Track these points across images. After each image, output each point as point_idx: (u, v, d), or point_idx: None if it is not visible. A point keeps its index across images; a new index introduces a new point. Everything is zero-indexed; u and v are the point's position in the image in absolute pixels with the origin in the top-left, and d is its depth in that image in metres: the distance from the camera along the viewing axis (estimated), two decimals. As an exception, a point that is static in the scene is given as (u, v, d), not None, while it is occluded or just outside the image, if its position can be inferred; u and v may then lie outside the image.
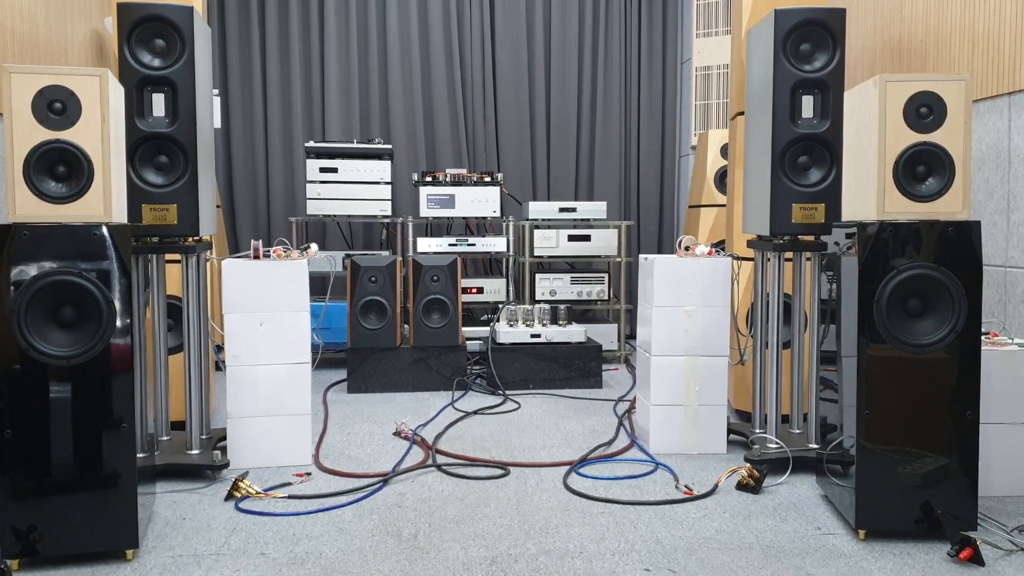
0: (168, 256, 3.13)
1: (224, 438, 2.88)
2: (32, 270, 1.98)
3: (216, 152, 5.25)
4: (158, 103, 2.62)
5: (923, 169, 2.23)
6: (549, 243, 4.89)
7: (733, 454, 2.99)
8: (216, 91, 3.81)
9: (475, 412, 3.66)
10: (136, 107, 2.60)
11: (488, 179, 4.87)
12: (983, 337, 2.54)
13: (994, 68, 2.88)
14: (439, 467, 2.84)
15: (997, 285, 2.87)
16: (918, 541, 2.20)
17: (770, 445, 2.84)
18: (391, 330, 4.11)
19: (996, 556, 2.09)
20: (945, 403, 2.19)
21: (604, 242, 4.93)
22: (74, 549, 2.02)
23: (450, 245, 4.79)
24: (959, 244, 2.17)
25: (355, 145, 4.80)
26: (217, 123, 3.87)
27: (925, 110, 2.22)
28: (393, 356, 4.12)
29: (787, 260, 3.03)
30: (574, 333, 4.23)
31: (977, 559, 2.04)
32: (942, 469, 2.19)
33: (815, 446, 2.80)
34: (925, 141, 2.22)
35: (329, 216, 4.78)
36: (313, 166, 4.75)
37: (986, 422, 2.50)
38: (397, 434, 3.26)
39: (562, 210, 4.93)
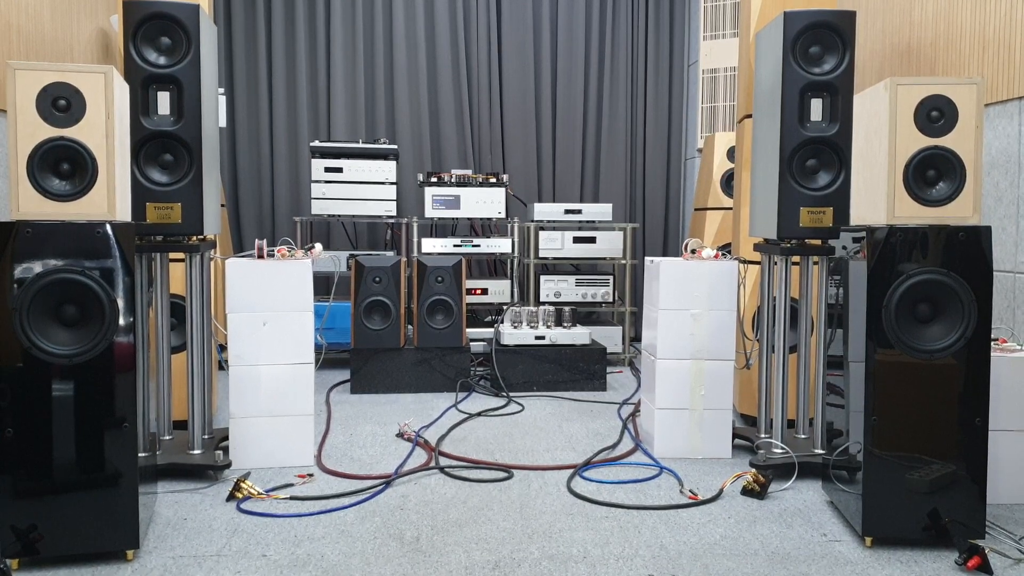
0: (172, 255, 3.12)
1: (226, 438, 2.87)
2: (35, 268, 1.97)
3: (221, 151, 5.24)
4: (163, 101, 2.61)
5: (933, 173, 2.21)
6: (554, 245, 4.87)
7: (738, 459, 2.97)
8: (222, 90, 3.80)
9: (479, 414, 3.64)
10: (141, 105, 2.59)
11: (493, 180, 4.85)
12: (992, 343, 2.52)
13: (1004, 72, 2.86)
14: (442, 469, 2.82)
15: (1006, 291, 2.85)
16: (925, 549, 2.17)
17: (775, 450, 2.82)
18: (395, 331, 4.09)
19: (1005, 565, 2.07)
20: (954, 410, 2.17)
21: (609, 244, 4.92)
22: (74, 549, 2.01)
23: (455, 246, 4.78)
24: (969, 249, 2.15)
25: (360, 145, 4.80)
26: (222, 122, 3.86)
27: (936, 114, 2.20)
28: (397, 357, 4.11)
29: (794, 264, 3.00)
30: (578, 335, 4.22)
31: (985, 568, 2.02)
32: (950, 476, 2.17)
33: (821, 451, 2.78)
34: (936, 145, 2.20)
35: (334, 216, 4.77)
36: (318, 166, 4.74)
37: (994, 429, 2.48)
38: (400, 435, 3.25)
39: (567, 212, 4.91)
